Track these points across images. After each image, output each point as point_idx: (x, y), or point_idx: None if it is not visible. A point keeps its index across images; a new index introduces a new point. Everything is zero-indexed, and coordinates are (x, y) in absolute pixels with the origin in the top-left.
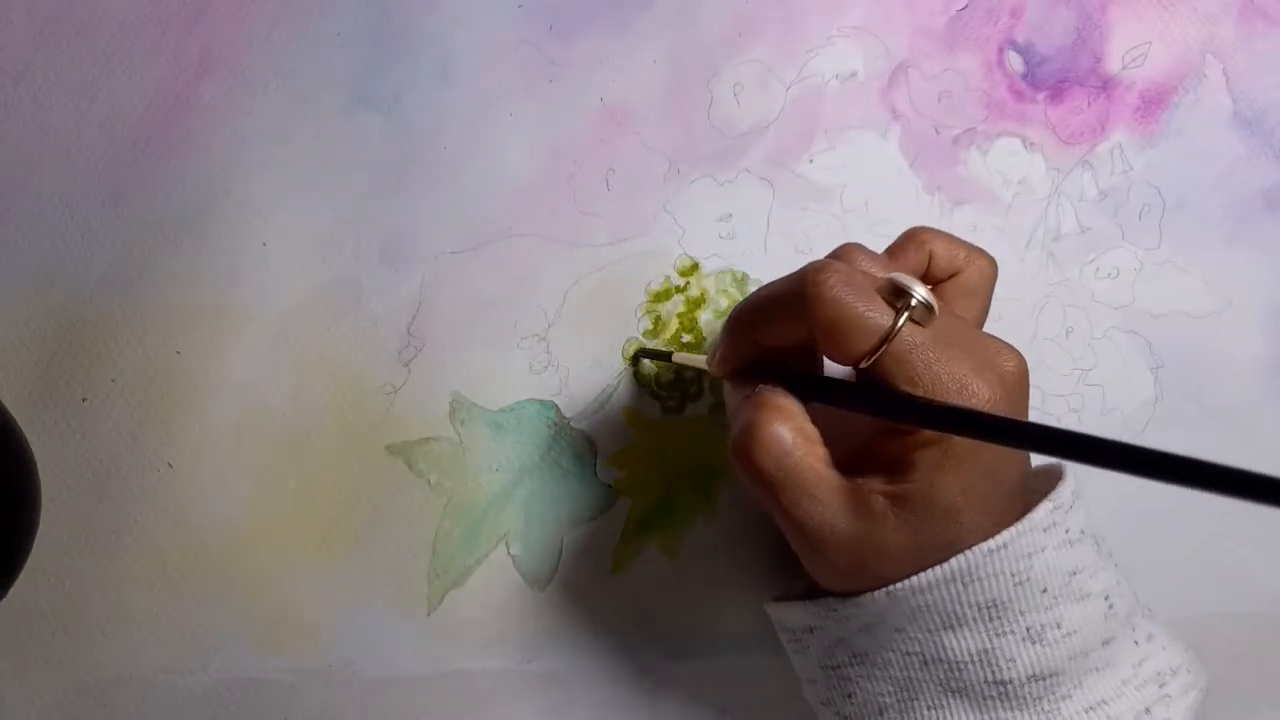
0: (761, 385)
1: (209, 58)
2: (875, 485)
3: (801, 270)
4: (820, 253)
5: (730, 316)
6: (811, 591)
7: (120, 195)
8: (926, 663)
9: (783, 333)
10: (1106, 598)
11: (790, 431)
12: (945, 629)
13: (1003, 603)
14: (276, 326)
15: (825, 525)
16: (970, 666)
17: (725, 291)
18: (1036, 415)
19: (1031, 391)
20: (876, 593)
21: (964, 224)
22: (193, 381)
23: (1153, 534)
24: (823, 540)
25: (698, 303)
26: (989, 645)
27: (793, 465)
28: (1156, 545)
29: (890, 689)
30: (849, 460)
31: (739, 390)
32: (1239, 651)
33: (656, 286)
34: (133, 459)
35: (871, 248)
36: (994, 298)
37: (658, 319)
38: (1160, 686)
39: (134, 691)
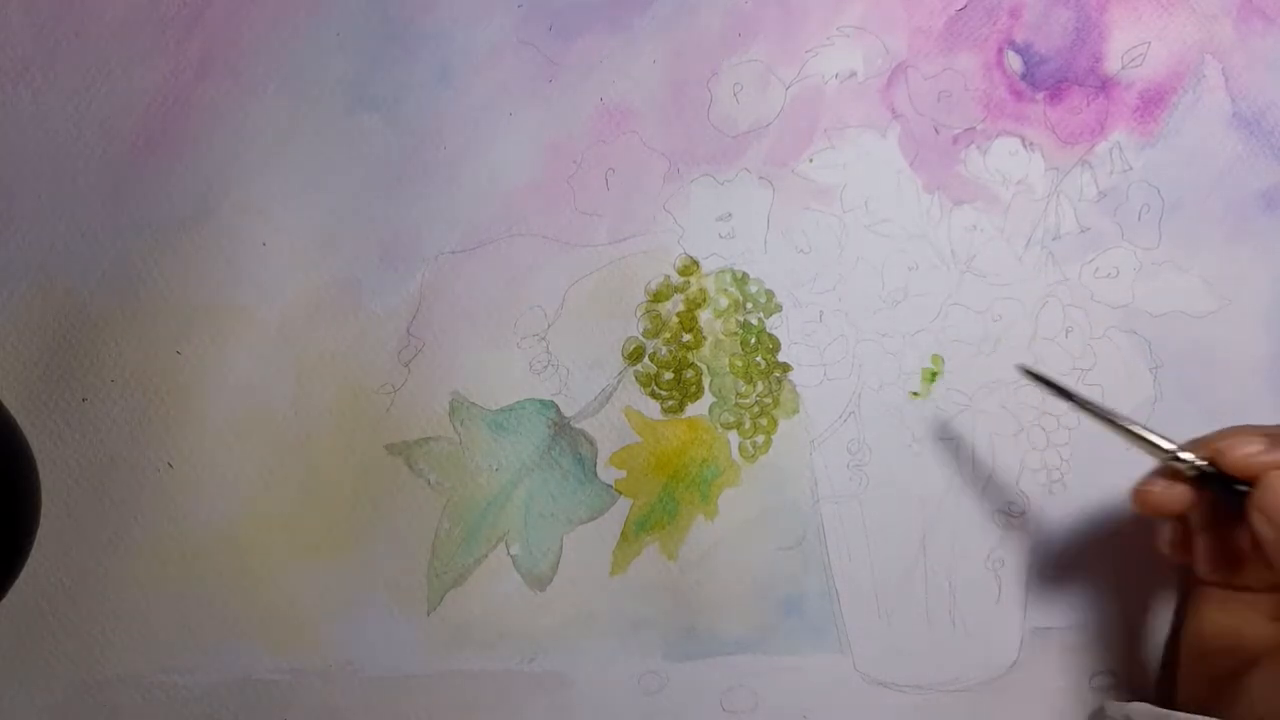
0: None
1: (209, 58)
2: None
3: None
4: (820, 252)
5: None
6: None
7: (120, 195)
8: None
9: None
10: None
11: None
12: None
13: None
14: (276, 326)
15: None
16: None
17: (725, 291)
18: (1036, 415)
19: (1030, 392)
20: None
21: (963, 224)
22: (193, 381)
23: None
24: None
25: (697, 302)
26: None
27: None
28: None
29: None
30: None
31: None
32: None
33: (656, 286)
34: (133, 459)
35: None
36: (992, 297)
37: (657, 318)
38: None
39: (134, 691)
